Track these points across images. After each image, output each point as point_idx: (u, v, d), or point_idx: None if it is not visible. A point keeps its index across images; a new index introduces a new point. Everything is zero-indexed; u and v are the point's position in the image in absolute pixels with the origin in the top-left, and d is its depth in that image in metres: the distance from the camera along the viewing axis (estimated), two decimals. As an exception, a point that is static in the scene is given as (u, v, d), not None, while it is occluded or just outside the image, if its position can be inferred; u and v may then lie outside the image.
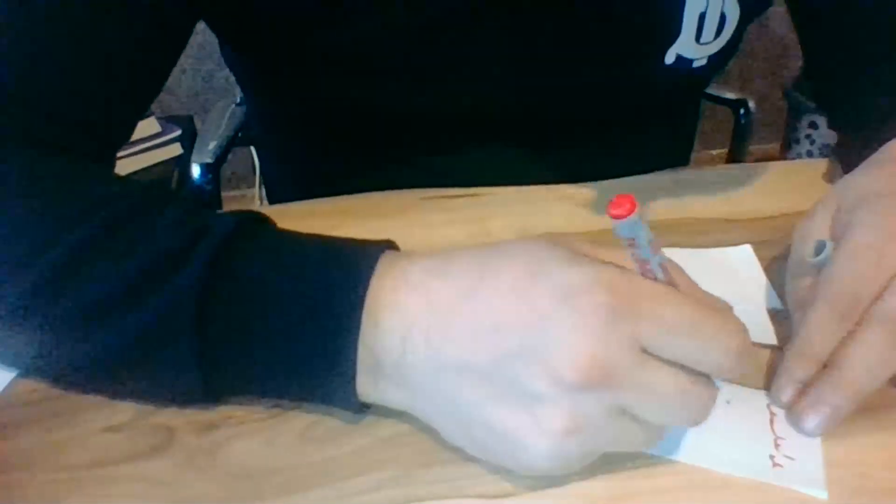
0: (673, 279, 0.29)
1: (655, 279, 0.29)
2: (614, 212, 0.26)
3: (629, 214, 0.26)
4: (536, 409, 0.28)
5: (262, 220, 0.36)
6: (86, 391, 0.36)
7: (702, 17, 0.49)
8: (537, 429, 0.28)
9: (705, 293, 0.32)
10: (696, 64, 0.52)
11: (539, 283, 0.29)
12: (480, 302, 0.30)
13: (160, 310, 0.32)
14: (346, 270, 0.32)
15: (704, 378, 0.29)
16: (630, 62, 0.53)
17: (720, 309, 0.29)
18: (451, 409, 0.31)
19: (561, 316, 0.28)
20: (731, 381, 0.35)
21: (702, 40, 0.51)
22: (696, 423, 0.30)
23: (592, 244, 0.32)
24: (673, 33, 0.50)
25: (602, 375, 0.27)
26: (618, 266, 0.29)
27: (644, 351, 0.28)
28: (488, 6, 0.48)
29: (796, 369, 0.35)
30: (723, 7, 0.49)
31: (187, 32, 0.48)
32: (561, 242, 0.31)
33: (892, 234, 0.36)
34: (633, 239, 0.28)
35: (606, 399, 0.28)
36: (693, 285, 0.32)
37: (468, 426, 0.30)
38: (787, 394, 0.34)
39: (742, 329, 0.29)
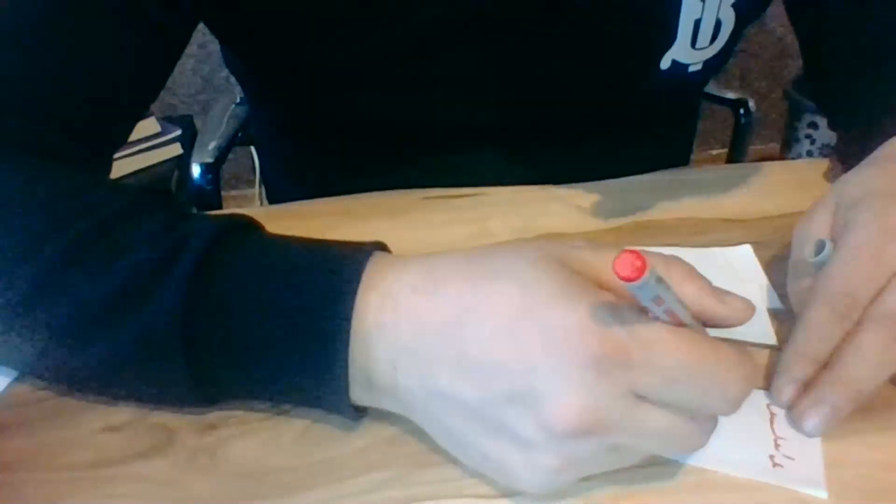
0: (679, 320, 0.28)
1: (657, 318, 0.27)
2: (621, 272, 0.23)
3: (640, 277, 0.24)
4: (527, 451, 0.28)
5: (245, 227, 0.35)
6: (83, 394, 0.36)
7: (697, 23, 0.49)
8: (529, 466, 0.28)
9: (726, 292, 0.30)
10: (691, 69, 0.52)
11: (529, 324, 0.28)
12: (470, 334, 0.29)
13: (145, 323, 0.31)
14: (331, 285, 0.31)
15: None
16: (625, 69, 0.53)
17: (720, 349, 0.28)
18: (444, 433, 0.31)
19: (551, 365, 0.27)
20: None
21: (697, 46, 0.51)
22: (694, 450, 0.30)
23: (593, 249, 0.31)
24: (668, 40, 0.50)
25: (592, 425, 0.27)
26: (615, 299, 0.28)
27: (638, 395, 0.27)
28: (482, 21, 0.48)
29: (795, 369, 0.35)
30: (718, 13, 0.49)
31: (186, 37, 0.48)
32: (560, 247, 0.31)
33: (889, 233, 0.36)
34: (642, 296, 0.26)
35: (598, 443, 0.28)
36: (705, 293, 0.30)
37: (463, 448, 0.31)
38: (786, 393, 0.34)
39: (744, 374, 0.28)
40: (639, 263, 0.23)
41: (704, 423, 0.29)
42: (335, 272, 0.31)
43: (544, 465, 0.28)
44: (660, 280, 0.25)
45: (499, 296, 0.29)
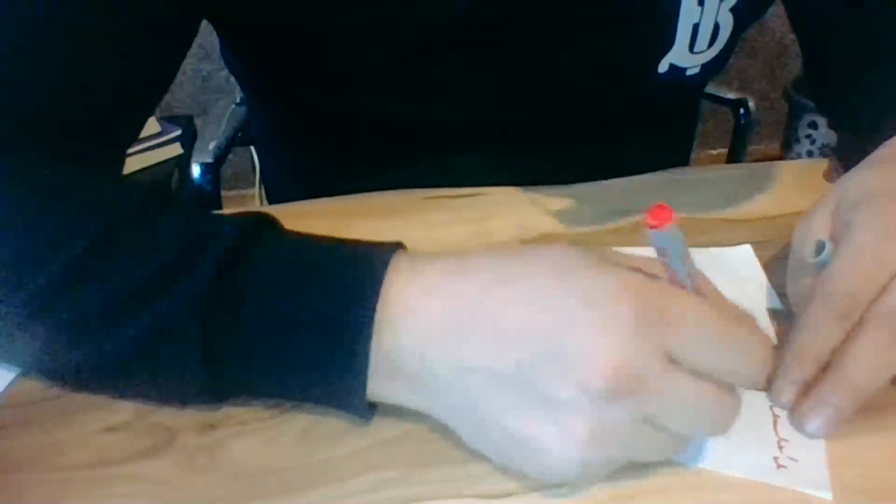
0: (702, 291, 0.29)
1: (684, 288, 0.29)
2: (651, 221, 0.26)
3: (665, 224, 0.26)
4: (561, 416, 0.28)
5: (269, 223, 0.35)
6: (90, 391, 0.36)
7: (695, 27, 0.49)
8: (561, 437, 0.28)
9: (733, 305, 0.31)
10: (689, 72, 0.52)
11: (564, 288, 0.29)
12: (502, 306, 0.29)
13: (168, 314, 0.31)
14: (357, 274, 0.32)
15: (728, 387, 0.29)
16: (623, 73, 0.53)
17: (747, 321, 0.29)
18: (471, 414, 0.30)
19: (587, 322, 0.28)
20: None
21: (695, 49, 0.51)
22: (721, 432, 0.30)
23: (621, 253, 0.32)
24: (666, 44, 0.50)
25: (628, 382, 0.27)
26: (646, 273, 0.29)
27: (671, 359, 0.28)
28: (481, 25, 0.48)
29: (795, 369, 0.35)
30: (717, 17, 0.49)
31: (191, 34, 0.48)
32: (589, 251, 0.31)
33: (890, 234, 0.35)
34: (665, 248, 0.27)
35: (632, 407, 0.28)
36: (722, 299, 0.31)
37: (489, 431, 0.30)
38: (787, 394, 0.34)
39: (768, 340, 0.29)
40: (666, 215, 0.26)
41: (730, 399, 0.29)
42: (362, 267, 0.32)
43: (577, 431, 0.28)
44: (681, 238, 0.27)
45: (532, 266, 0.30)
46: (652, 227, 0.26)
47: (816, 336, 0.35)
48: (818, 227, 0.40)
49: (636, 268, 0.30)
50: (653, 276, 0.29)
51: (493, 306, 0.29)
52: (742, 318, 0.29)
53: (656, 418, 0.28)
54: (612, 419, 0.28)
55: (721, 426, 0.29)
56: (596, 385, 0.27)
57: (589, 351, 0.27)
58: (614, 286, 0.28)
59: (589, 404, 0.27)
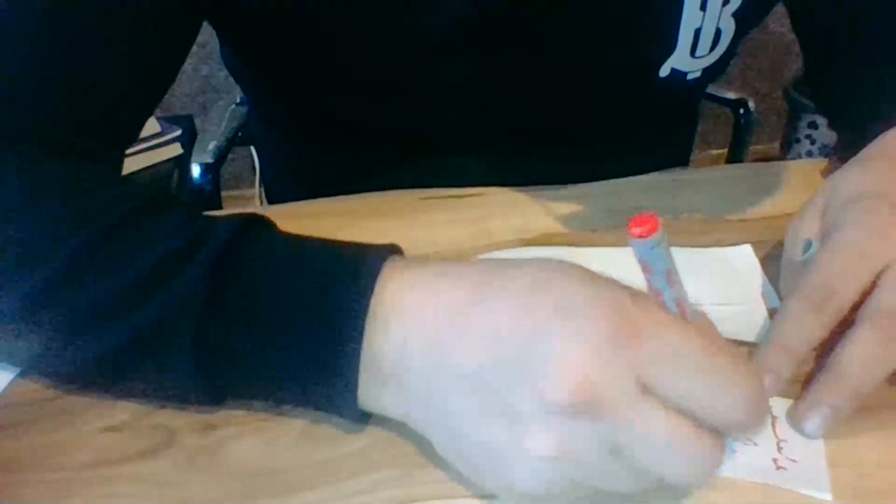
0: (687, 317, 0.27)
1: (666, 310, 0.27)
2: (635, 230, 0.25)
3: (649, 235, 0.24)
4: (518, 426, 0.27)
5: (264, 224, 0.35)
6: (87, 390, 0.36)
7: (697, 32, 0.49)
8: (517, 448, 0.27)
9: (721, 337, 0.29)
10: (690, 76, 0.52)
11: (544, 296, 0.28)
12: (484, 309, 0.29)
13: (162, 313, 0.32)
14: (349, 277, 0.31)
15: (712, 432, 0.26)
16: (624, 77, 0.53)
17: (734, 352, 0.27)
18: (442, 419, 0.30)
19: (559, 333, 0.26)
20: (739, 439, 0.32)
21: (697, 54, 0.51)
22: (697, 481, 0.28)
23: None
24: (668, 49, 0.50)
25: (589, 401, 0.25)
26: (632, 289, 0.28)
27: (645, 386, 0.26)
28: (482, 29, 0.48)
29: (770, 360, 0.34)
30: (718, 22, 0.49)
31: (193, 33, 0.48)
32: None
33: (877, 232, 0.36)
34: (649, 262, 0.26)
35: (594, 430, 0.26)
36: (711, 328, 0.29)
37: (458, 439, 0.30)
38: None
39: (758, 377, 0.27)
40: (650, 225, 0.25)
41: (711, 444, 0.26)
42: (354, 270, 0.32)
43: (532, 447, 0.26)
44: (668, 254, 0.26)
45: (517, 276, 0.29)
46: (635, 236, 0.25)
47: (790, 326, 0.35)
48: (808, 226, 0.40)
49: (626, 287, 0.28)
50: (641, 296, 0.27)
51: (474, 310, 0.29)
52: (728, 349, 0.27)
53: (622, 450, 0.26)
54: (571, 438, 0.26)
55: (694, 473, 0.27)
56: (553, 397, 0.26)
57: (553, 361, 0.26)
58: (593, 298, 0.27)
59: (546, 418, 0.26)
